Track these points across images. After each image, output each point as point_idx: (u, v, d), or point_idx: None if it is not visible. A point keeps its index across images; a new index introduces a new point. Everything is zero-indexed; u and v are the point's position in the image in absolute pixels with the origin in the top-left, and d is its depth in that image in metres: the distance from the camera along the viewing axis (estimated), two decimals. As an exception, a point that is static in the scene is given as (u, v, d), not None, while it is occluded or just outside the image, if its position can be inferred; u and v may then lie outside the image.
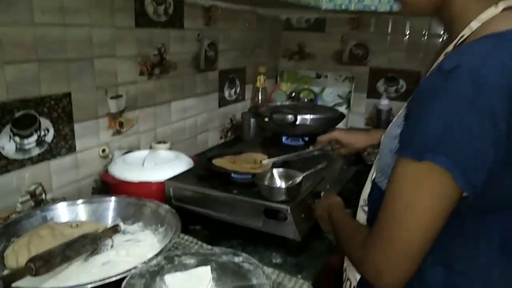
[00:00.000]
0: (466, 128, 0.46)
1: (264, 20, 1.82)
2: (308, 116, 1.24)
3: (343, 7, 1.58)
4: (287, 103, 1.66)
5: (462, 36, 0.55)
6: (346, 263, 0.74)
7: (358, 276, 0.67)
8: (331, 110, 1.47)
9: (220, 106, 1.60)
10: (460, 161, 0.47)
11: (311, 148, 1.06)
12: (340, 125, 1.56)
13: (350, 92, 1.95)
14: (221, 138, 1.64)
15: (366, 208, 0.70)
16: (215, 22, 1.46)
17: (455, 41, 0.56)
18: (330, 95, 1.98)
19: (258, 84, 1.78)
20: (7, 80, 0.82)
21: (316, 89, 1.99)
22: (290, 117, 1.22)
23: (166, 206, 0.91)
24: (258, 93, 1.79)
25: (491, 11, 0.54)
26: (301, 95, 1.99)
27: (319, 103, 1.96)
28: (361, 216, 0.72)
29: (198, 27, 1.38)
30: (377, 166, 0.67)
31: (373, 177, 0.68)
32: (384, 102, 1.82)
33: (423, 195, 0.49)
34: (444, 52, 0.57)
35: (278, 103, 1.61)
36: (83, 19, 0.96)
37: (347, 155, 1.07)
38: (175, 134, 1.36)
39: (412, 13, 0.69)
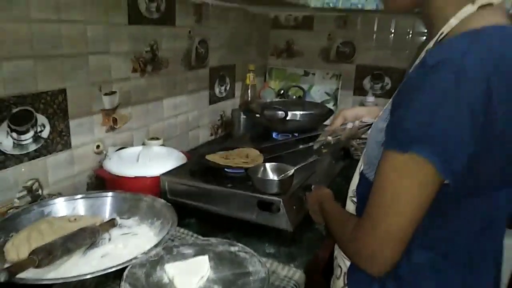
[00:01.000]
0: (448, 120, 0.50)
1: (253, 18, 1.85)
2: (298, 112, 1.28)
3: (331, 5, 1.62)
4: (276, 99, 1.70)
5: (442, 33, 0.59)
6: (337, 251, 0.78)
7: (348, 263, 0.71)
8: (320, 106, 1.51)
9: (210, 103, 1.62)
10: (442, 152, 0.51)
11: (325, 130, 1.04)
12: (327, 121, 1.62)
13: (337, 89, 1.99)
14: (211, 134, 1.67)
15: (354, 199, 0.74)
16: (206, 19, 1.48)
17: (435, 38, 0.60)
18: (318, 92, 2.02)
19: (247, 81, 1.80)
20: (5, 76, 0.83)
21: (304, 87, 2.03)
22: (280, 113, 1.25)
23: (162, 200, 0.93)
24: (248, 91, 1.81)
25: (469, 9, 0.57)
26: (290, 93, 2.03)
27: (307, 100, 2.00)
28: (350, 207, 0.76)
29: (190, 24, 1.40)
30: (365, 158, 0.71)
31: (361, 169, 0.72)
32: (370, 100, 1.87)
33: (408, 185, 0.54)
34: (425, 49, 0.62)
35: (268, 100, 1.64)
36: (77, 15, 0.97)
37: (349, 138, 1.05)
38: (166, 130, 1.38)
39: (395, 10, 0.72)
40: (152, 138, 1.23)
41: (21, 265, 0.68)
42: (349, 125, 1.00)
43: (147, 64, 1.23)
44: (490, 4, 0.58)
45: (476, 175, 0.55)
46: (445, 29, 0.59)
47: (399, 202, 0.54)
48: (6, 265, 0.75)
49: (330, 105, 1.97)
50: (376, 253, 0.57)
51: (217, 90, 1.66)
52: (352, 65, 1.97)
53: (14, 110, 0.86)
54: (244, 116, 1.55)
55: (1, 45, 0.82)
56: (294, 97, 2.00)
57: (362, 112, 1.00)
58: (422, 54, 0.61)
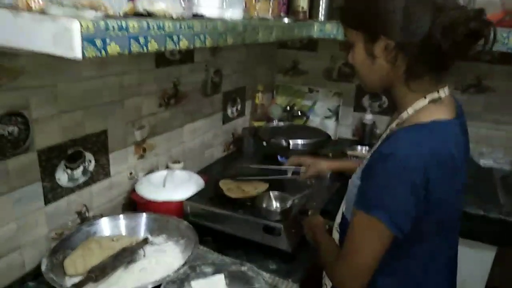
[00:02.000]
0: (396, 195, 0.71)
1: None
2: (300, 141, 1.48)
3: (332, 36, 1.80)
4: (281, 124, 1.89)
5: (402, 117, 0.79)
6: (324, 272, 0.99)
7: (330, 284, 0.93)
8: (320, 133, 1.70)
9: (223, 123, 1.82)
10: (393, 216, 0.72)
11: (284, 165, 1.29)
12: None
13: (338, 106, 2.18)
14: (224, 151, 1.87)
15: (338, 229, 0.95)
16: (220, 51, 1.67)
17: (397, 120, 0.80)
18: (321, 108, 2.21)
19: (257, 100, 2.00)
20: (63, 125, 1.04)
21: (308, 103, 2.22)
22: (284, 142, 1.45)
23: (185, 222, 1.15)
24: (257, 108, 2.01)
25: (421, 102, 0.76)
26: (295, 108, 2.22)
27: (310, 115, 2.19)
28: (335, 235, 0.96)
29: (206, 58, 1.59)
30: (346, 201, 0.91)
31: (343, 209, 0.92)
32: (368, 117, 2.05)
33: (369, 237, 0.75)
34: (389, 127, 0.82)
35: (274, 123, 1.84)
36: (117, 68, 1.18)
37: (312, 177, 1.30)
38: (186, 152, 1.59)
39: (368, 91, 0.90)
40: (174, 162, 1.44)
41: (83, 282, 0.90)
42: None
43: (171, 99, 1.44)
44: (439, 98, 0.77)
45: (420, 228, 0.76)
46: (404, 115, 0.78)
47: (364, 248, 0.76)
48: (67, 278, 0.98)
49: (332, 120, 2.17)
50: (347, 282, 0.79)
51: (229, 111, 1.85)
52: (353, 84, 2.15)
53: (69, 152, 1.08)
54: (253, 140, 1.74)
55: (60, 101, 1.02)
56: (299, 112, 2.19)
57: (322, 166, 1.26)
58: (391, 127, 0.81)
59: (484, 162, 1.82)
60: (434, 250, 0.82)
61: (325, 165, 1.26)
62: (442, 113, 0.76)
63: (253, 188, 1.23)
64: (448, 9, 0.68)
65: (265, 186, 1.25)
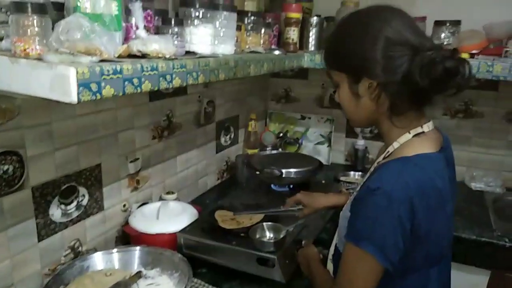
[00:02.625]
0: (384, 228, 0.73)
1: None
2: (292, 170, 1.50)
3: (322, 66, 1.85)
4: (274, 152, 1.91)
5: (388, 151, 0.81)
6: None
7: None
8: (312, 160, 1.72)
9: (217, 152, 1.84)
10: (382, 249, 0.74)
11: (282, 207, 1.29)
12: (322, 160, 1.83)
13: (331, 132, 2.21)
14: (218, 179, 1.88)
15: (332, 261, 0.96)
16: (213, 83, 1.70)
17: (384, 153, 0.83)
18: (313, 135, 2.24)
19: (250, 128, 2.03)
20: (56, 162, 1.06)
21: (301, 129, 2.25)
22: (277, 171, 1.47)
23: (179, 255, 1.15)
24: (250, 136, 2.04)
25: (406, 137, 0.80)
26: (288, 134, 2.25)
27: (303, 141, 2.22)
28: (330, 267, 0.97)
29: (199, 90, 1.62)
30: (338, 234, 0.92)
31: (336, 242, 0.94)
32: (360, 142, 2.09)
33: (361, 269, 0.77)
34: (377, 161, 0.85)
35: (267, 150, 1.86)
36: (111, 104, 1.20)
37: (309, 215, 1.28)
38: (180, 182, 1.60)
39: (355, 126, 0.94)
40: (168, 193, 1.45)
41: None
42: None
43: (164, 130, 1.46)
44: (423, 133, 0.80)
45: (411, 260, 0.78)
46: (390, 149, 0.81)
47: (357, 279, 0.78)
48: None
49: (325, 146, 2.20)
50: None
51: (222, 140, 1.88)
52: (344, 111, 2.18)
53: (63, 187, 1.09)
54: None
55: (56, 138, 1.04)
56: (292, 139, 2.22)
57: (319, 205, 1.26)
58: (375, 165, 0.83)
59: (475, 185, 1.85)
60: (427, 280, 0.83)
61: (322, 203, 1.27)
62: (426, 147, 0.79)
63: (247, 219, 1.23)
64: (426, 49, 0.72)
65: (259, 217, 1.25)
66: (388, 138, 0.83)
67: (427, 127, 0.81)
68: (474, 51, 1.61)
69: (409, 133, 0.80)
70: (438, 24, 1.58)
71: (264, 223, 1.20)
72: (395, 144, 0.81)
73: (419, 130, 0.80)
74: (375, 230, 0.73)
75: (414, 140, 0.79)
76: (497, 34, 1.63)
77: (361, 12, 0.81)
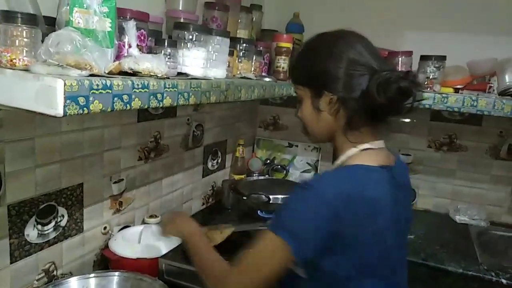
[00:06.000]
0: (305, 223, 0.76)
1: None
2: (280, 196, 1.48)
3: (312, 94, 1.87)
4: (261, 177, 1.90)
5: (336, 163, 0.86)
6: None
7: None
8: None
9: (203, 176, 1.81)
10: (298, 241, 0.76)
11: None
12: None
13: (317, 160, 2.21)
14: (203, 204, 1.84)
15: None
16: (203, 107, 1.70)
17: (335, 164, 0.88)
18: (300, 163, 2.24)
19: (237, 154, 2.01)
20: (37, 180, 1.02)
21: (288, 157, 2.25)
22: (264, 197, 1.44)
23: (160, 282, 1.10)
24: (237, 162, 2.02)
25: (352, 151, 0.84)
26: (275, 161, 2.24)
27: (290, 169, 2.21)
28: None
29: (188, 113, 1.61)
30: None
31: None
32: (347, 172, 2.08)
33: (270, 258, 0.78)
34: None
35: (254, 176, 1.84)
36: (98, 122, 1.18)
37: None
38: (164, 206, 1.55)
39: (314, 142, 0.98)
40: (151, 216, 1.41)
41: None
42: None
43: (151, 152, 1.43)
44: (369, 148, 0.83)
45: (342, 269, 0.79)
46: (337, 162, 0.86)
47: (263, 266, 0.79)
48: None
49: (311, 174, 2.19)
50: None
51: (209, 164, 1.85)
52: (331, 140, 2.20)
53: (41, 206, 1.04)
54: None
55: (37, 155, 1.00)
56: (279, 166, 2.21)
57: None
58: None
59: (459, 218, 1.85)
60: None
61: None
62: (369, 160, 0.82)
63: (218, 233, 1.19)
64: (383, 70, 0.79)
65: (230, 229, 1.22)
66: (339, 152, 0.87)
67: (376, 144, 0.85)
68: (458, 86, 1.66)
69: (356, 147, 0.84)
70: (424, 58, 1.62)
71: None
72: (342, 157, 0.85)
73: (366, 146, 0.84)
74: (296, 222, 0.77)
75: (360, 154, 0.83)
76: (480, 70, 1.68)
77: (328, 34, 0.89)
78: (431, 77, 1.60)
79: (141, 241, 1.25)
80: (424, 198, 2.01)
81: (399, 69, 1.47)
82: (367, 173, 0.80)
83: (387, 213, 0.82)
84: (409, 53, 1.65)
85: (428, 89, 1.57)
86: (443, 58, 1.61)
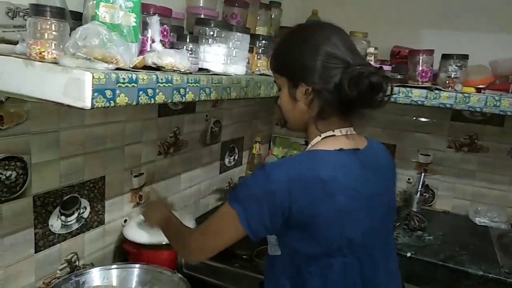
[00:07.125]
0: (255, 197, 0.80)
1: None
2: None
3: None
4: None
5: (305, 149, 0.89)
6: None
7: None
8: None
9: (220, 172, 1.82)
10: (246, 214, 0.80)
11: None
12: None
13: (334, 159, 2.19)
14: (219, 199, 1.85)
15: None
16: (221, 103, 1.71)
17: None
18: (317, 161, 2.22)
19: (254, 151, 2.02)
20: (61, 171, 1.04)
21: (305, 155, 2.24)
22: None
23: (179, 275, 1.11)
24: (254, 159, 2.03)
25: (317, 139, 0.87)
26: (291, 159, 2.24)
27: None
28: None
29: (207, 109, 1.62)
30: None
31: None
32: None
33: (225, 224, 0.85)
34: None
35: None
36: (120, 116, 1.20)
37: None
38: (182, 200, 1.57)
39: (292, 130, 1.00)
40: (170, 210, 1.42)
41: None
42: None
43: (170, 147, 1.45)
44: (333, 136, 0.85)
45: (309, 247, 0.81)
46: (308, 148, 0.88)
47: (219, 234, 0.86)
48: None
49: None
50: (194, 253, 0.93)
51: (226, 160, 1.86)
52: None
53: (65, 198, 1.06)
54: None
55: (63, 146, 1.03)
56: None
57: None
58: None
59: (479, 220, 1.82)
60: (328, 270, 0.83)
61: None
62: (329, 146, 0.84)
63: None
64: (356, 64, 0.81)
65: None
66: (310, 140, 0.89)
67: (341, 132, 0.86)
68: (480, 86, 1.63)
69: (320, 136, 0.86)
70: (446, 57, 1.59)
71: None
72: (309, 146, 0.88)
73: (329, 133, 0.86)
74: (247, 196, 0.81)
75: (321, 141, 0.86)
76: (503, 70, 1.64)
77: (306, 26, 0.92)
78: (452, 76, 1.57)
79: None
80: (443, 199, 1.98)
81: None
82: (323, 155, 0.83)
83: (349, 192, 0.83)
84: (430, 52, 1.62)
85: (450, 88, 1.54)
86: (465, 57, 1.57)
